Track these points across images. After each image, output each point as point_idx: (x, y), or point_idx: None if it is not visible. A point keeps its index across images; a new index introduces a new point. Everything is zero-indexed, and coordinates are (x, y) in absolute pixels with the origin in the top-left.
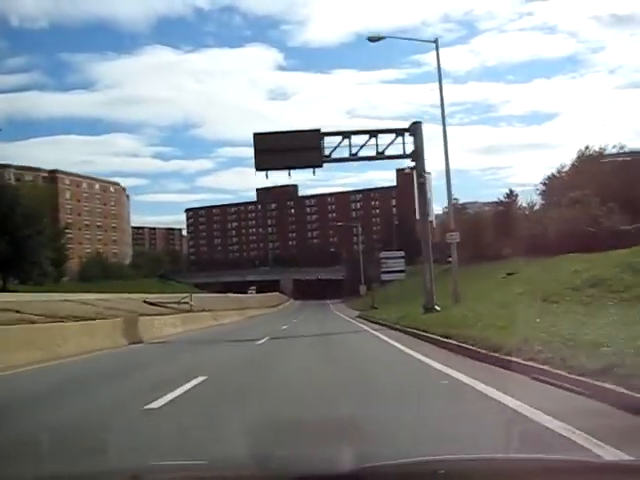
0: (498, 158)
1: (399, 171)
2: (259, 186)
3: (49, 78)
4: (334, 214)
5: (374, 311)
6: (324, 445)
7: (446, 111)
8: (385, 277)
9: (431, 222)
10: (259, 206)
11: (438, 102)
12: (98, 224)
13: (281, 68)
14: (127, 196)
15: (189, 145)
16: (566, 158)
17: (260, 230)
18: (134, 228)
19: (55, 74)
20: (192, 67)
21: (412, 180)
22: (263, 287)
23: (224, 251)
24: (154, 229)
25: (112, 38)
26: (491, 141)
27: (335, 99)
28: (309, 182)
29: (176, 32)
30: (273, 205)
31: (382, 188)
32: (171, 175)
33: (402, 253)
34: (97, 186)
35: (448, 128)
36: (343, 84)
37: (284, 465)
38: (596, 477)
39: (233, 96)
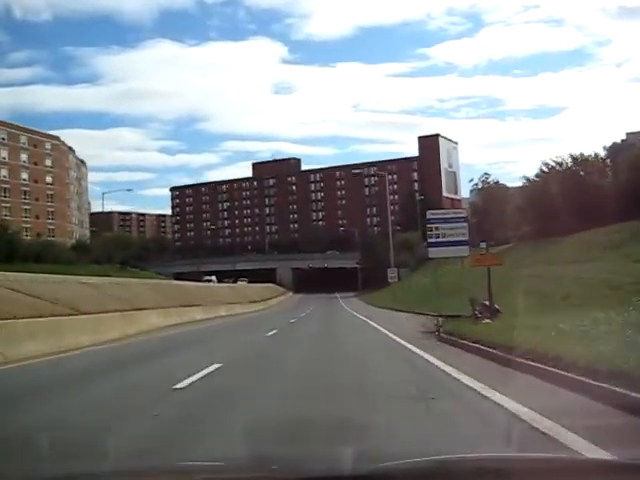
0: (505, 152)
1: (422, 138)
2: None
3: (53, 72)
4: (343, 191)
5: (513, 327)
6: (327, 445)
7: (452, 105)
8: (437, 252)
9: (459, 201)
10: (255, 183)
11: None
12: (24, 188)
13: (285, 62)
14: (81, 161)
15: (194, 139)
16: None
17: (256, 211)
18: (120, 214)
19: (59, 68)
20: (196, 61)
21: (437, 148)
22: (255, 277)
23: (214, 236)
24: (143, 215)
25: (116, 32)
26: (498, 135)
27: (340, 93)
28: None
29: (180, 26)
30: (271, 181)
31: (401, 159)
32: (177, 169)
33: (464, 213)
34: (23, 138)
35: (453, 122)
36: (348, 77)
37: (286, 466)
38: (597, 477)
39: (238, 90)
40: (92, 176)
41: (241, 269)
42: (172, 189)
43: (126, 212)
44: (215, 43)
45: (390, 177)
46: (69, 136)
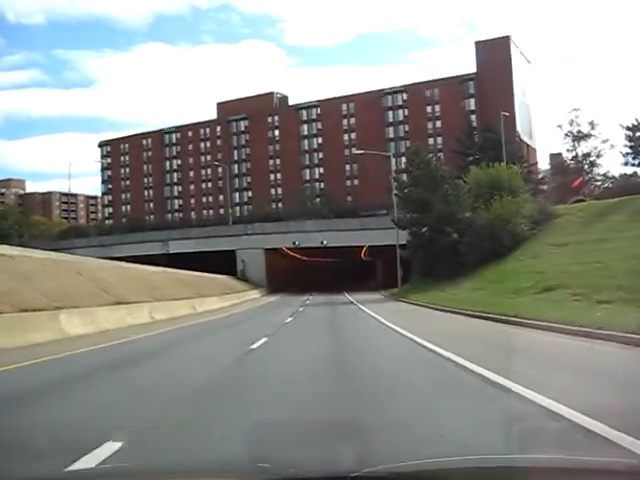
0: None
1: (482, 44)
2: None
3: (48, 76)
4: (353, 134)
5: None
6: (326, 447)
7: None
8: None
9: (535, 150)
10: (218, 128)
11: None
12: None
13: (282, 66)
14: None
15: None
16: None
17: (219, 171)
18: (63, 195)
19: (53, 72)
20: (191, 64)
21: (508, 60)
22: (204, 265)
23: (159, 210)
24: (94, 197)
25: (110, 36)
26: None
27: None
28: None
29: (174, 30)
30: (243, 124)
31: (448, 79)
32: None
33: None
34: None
35: None
36: (345, 82)
37: (286, 466)
38: (598, 477)
39: (235, 94)
40: (92, 181)
41: (177, 252)
42: (101, 144)
43: (70, 194)
44: (210, 46)
45: (429, 109)
46: (63, 140)
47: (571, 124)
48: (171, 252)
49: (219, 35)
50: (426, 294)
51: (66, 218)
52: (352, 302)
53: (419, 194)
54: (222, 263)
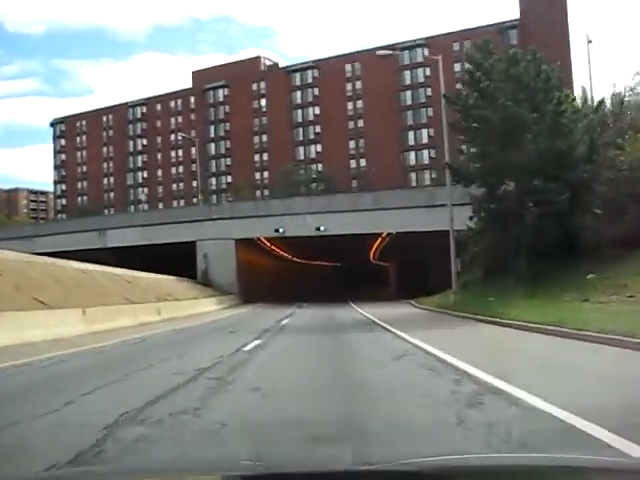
0: None
1: None
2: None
3: (46, 85)
4: (359, 101)
5: None
6: (324, 445)
7: None
8: None
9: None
10: (192, 98)
11: None
12: None
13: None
14: None
15: None
16: None
17: (192, 152)
18: (32, 193)
19: (51, 81)
20: (189, 72)
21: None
22: (156, 264)
23: (121, 200)
24: None
25: (108, 46)
26: None
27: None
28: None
29: (173, 40)
30: (222, 93)
31: (482, 27)
32: None
33: None
34: None
35: None
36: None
37: (284, 465)
38: (599, 477)
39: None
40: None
41: (118, 246)
42: (54, 122)
43: (40, 191)
44: (208, 56)
45: (458, 67)
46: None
47: (631, 91)
48: (109, 246)
49: (218, 46)
50: (547, 307)
51: (35, 217)
52: (376, 322)
53: (505, 110)
54: (187, 261)
